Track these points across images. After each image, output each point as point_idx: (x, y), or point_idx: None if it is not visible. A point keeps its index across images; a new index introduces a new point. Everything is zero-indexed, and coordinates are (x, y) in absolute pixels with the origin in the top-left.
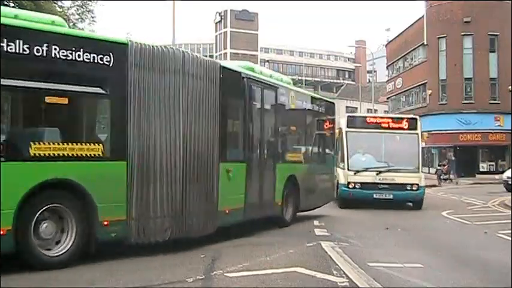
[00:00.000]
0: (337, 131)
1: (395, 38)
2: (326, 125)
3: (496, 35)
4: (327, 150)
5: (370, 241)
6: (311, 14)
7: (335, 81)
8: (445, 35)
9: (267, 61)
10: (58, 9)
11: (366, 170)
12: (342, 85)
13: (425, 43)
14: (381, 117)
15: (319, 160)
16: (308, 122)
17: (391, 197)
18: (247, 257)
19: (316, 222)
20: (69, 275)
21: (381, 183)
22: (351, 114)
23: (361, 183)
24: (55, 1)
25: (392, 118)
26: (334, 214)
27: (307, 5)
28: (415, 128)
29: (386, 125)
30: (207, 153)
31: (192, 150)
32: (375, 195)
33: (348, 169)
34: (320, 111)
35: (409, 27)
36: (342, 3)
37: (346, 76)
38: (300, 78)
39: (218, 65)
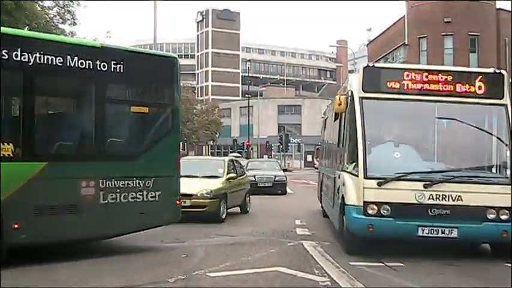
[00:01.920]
0: (340, 98)
1: (376, 37)
2: (134, 95)
3: (477, 35)
4: (144, 138)
5: None
6: (293, 13)
7: (316, 80)
8: (425, 35)
9: (249, 60)
10: (38, 8)
11: (401, 177)
12: (324, 85)
13: (406, 43)
14: (433, 72)
15: (102, 154)
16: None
17: (455, 234)
18: (229, 256)
19: (298, 222)
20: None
21: (433, 206)
22: (372, 64)
23: (391, 204)
24: (36, 1)
25: (454, 73)
26: (317, 215)
27: (289, 4)
28: (501, 94)
29: (443, 88)
30: None
31: None
32: (420, 231)
33: (365, 176)
34: (108, 69)
35: (390, 27)
36: (324, 2)
37: (328, 76)
38: (281, 77)
39: None
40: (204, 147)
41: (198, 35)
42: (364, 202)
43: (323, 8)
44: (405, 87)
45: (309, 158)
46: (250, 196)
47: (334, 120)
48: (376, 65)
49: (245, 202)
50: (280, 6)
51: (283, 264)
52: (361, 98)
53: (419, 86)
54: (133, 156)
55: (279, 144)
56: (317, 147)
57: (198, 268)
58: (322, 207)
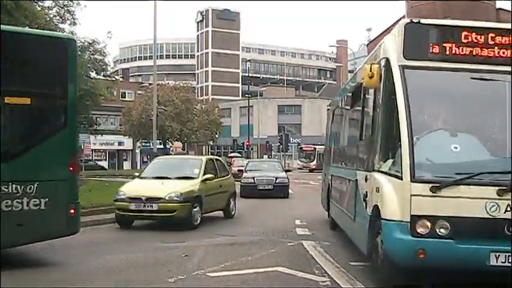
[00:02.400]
0: (373, 68)
1: (376, 37)
2: (11, 84)
3: None
4: (24, 135)
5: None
6: (293, 13)
7: (316, 80)
8: None
9: (249, 60)
10: (38, 8)
11: (465, 180)
12: (324, 85)
13: None
14: (503, 32)
15: None
16: None
17: None
18: (229, 256)
19: (298, 222)
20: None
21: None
22: (416, 20)
23: (452, 220)
24: (36, 1)
25: None
26: (317, 215)
27: (289, 4)
28: None
29: None
30: None
31: None
32: (493, 259)
33: (413, 178)
34: None
35: (390, 26)
36: (324, 2)
37: (328, 75)
38: (281, 77)
39: None
40: (204, 147)
41: (198, 35)
42: (412, 216)
43: (323, 8)
44: (463, 53)
45: None
46: (236, 200)
47: (351, 107)
48: (422, 21)
49: (228, 206)
50: (280, 6)
51: (283, 264)
52: (402, 67)
53: (482, 51)
54: (9, 157)
55: (279, 144)
56: (300, 147)
57: (198, 268)
58: (329, 216)
